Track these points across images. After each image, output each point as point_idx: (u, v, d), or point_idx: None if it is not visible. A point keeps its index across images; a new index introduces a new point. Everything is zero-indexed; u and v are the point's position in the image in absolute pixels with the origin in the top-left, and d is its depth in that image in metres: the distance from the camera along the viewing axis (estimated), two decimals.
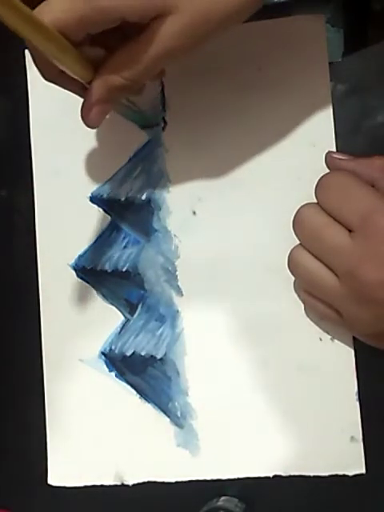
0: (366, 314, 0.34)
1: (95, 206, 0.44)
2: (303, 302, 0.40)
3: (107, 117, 0.36)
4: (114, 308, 0.43)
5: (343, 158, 0.38)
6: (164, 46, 0.33)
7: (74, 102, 0.43)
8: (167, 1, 0.32)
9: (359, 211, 0.34)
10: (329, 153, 0.39)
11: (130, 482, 0.43)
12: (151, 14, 0.32)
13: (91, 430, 0.43)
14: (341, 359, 0.41)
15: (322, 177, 0.37)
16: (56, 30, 0.30)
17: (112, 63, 0.34)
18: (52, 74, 0.34)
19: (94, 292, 0.44)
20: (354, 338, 0.40)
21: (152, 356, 0.43)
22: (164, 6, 0.32)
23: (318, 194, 0.37)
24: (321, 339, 0.41)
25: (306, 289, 0.39)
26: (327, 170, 0.38)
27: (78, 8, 0.31)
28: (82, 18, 0.31)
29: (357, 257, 0.34)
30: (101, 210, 0.44)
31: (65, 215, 0.44)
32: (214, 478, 0.42)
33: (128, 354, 0.43)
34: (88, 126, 0.36)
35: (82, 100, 0.41)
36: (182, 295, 0.43)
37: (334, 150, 0.40)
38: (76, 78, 0.34)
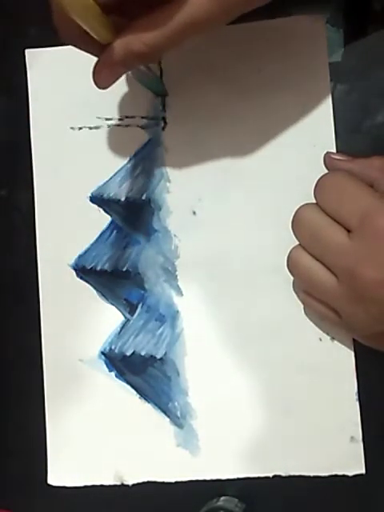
0: (365, 314, 0.34)
1: (95, 206, 0.44)
2: (302, 303, 0.40)
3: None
4: (114, 308, 0.43)
5: (342, 158, 0.38)
6: (191, 16, 0.32)
7: (74, 102, 0.43)
8: None
9: (358, 211, 0.34)
10: (327, 153, 0.39)
11: (130, 482, 0.43)
12: None
13: (91, 430, 0.43)
14: (341, 359, 0.41)
15: (321, 177, 0.37)
16: None
17: (136, 27, 0.33)
18: (72, 35, 0.33)
19: (94, 292, 0.44)
20: (353, 338, 0.40)
21: (152, 356, 0.43)
22: None
23: (316, 195, 0.37)
24: (321, 339, 0.41)
25: (305, 289, 0.39)
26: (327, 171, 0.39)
27: None
28: None
29: (355, 257, 0.34)
30: (101, 209, 0.44)
31: (65, 215, 0.44)
32: (214, 478, 0.42)
33: (128, 353, 0.43)
34: (98, 85, 0.35)
35: (82, 100, 0.41)
36: (182, 295, 0.43)
37: (334, 150, 0.40)
38: (97, 38, 0.33)
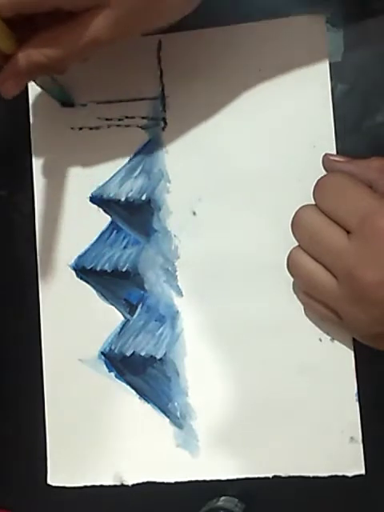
0: (365, 315, 0.34)
1: (95, 206, 0.44)
2: (302, 304, 0.40)
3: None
4: (113, 308, 0.43)
5: (340, 159, 0.38)
6: (92, 36, 0.33)
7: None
8: None
9: (357, 212, 0.34)
10: (326, 155, 0.39)
11: (130, 482, 0.43)
12: (86, 4, 0.32)
13: (91, 430, 0.43)
14: (341, 359, 0.41)
15: (320, 178, 0.37)
16: None
17: (38, 40, 0.34)
18: None
19: (94, 292, 0.44)
20: (353, 339, 0.40)
21: (152, 356, 0.43)
22: None
23: (315, 196, 0.37)
24: (320, 340, 0.41)
25: (305, 290, 0.39)
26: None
27: None
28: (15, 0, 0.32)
29: (355, 258, 0.34)
30: (101, 209, 0.44)
31: (65, 215, 0.44)
32: (214, 478, 0.42)
33: (128, 354, 0.43)
34: (3, 95, 0.36)
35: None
36: (182, 296, 0.43)
37: (334, 150, 0.40)
38: (1, 48, 0.34)
